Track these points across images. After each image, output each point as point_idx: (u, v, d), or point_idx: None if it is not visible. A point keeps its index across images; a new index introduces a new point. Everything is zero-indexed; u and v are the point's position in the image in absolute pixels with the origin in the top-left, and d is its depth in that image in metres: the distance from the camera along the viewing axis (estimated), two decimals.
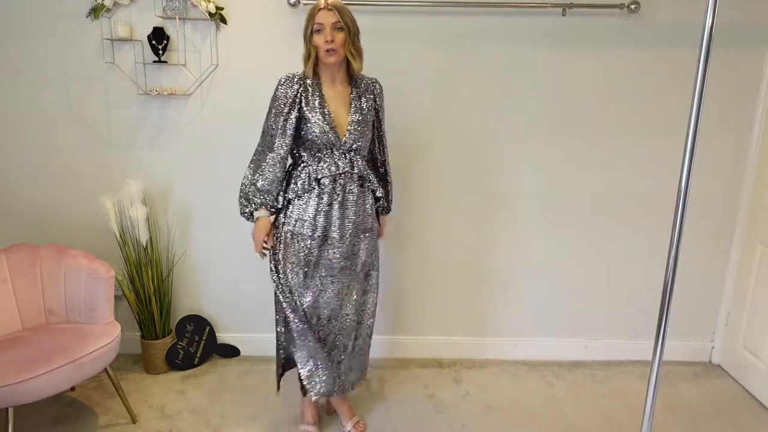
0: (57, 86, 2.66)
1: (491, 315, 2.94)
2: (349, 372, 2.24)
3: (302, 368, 2.13)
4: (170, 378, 2.76)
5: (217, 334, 2.95)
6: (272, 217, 2.14)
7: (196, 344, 2.87)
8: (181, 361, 2.82)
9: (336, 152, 2.04)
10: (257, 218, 2.10)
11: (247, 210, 2.10)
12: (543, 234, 2.83)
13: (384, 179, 2.28)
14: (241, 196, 2.11)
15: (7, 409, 1.98)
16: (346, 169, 2.04)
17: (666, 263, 1.64)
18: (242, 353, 2.98)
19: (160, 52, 2.58)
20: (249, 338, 2.96)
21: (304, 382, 2.16)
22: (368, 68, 2.15)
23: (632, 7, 2.52)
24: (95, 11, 2.54)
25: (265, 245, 2.11)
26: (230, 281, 2.90)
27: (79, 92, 2.67)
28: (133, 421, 2.38)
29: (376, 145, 2.24)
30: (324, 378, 2.14)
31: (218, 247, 2.86)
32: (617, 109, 2.68)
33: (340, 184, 2.05)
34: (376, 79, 2.17)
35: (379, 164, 2.27)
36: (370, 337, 2.31)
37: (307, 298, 2.10)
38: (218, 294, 2.93)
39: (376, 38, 2.59)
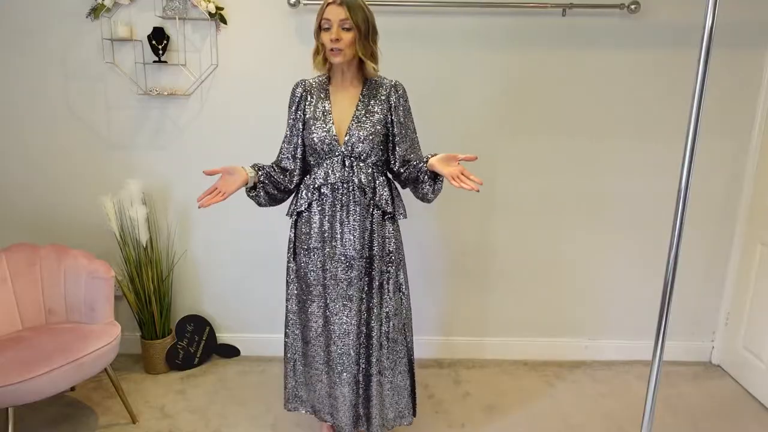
0: (57, 86, 2.66)
1: (491, 315, 2.94)
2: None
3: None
4: (170, 378, 2.76)
5: (217, 334, 2.95)
6: (250, 173, 1.89)
7: (196, 344, 2.87)
8: (181, 361, 2.82)
9: (336, 159, 1.90)
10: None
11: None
12: (543, 234, 2.83)
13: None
14: None
15: (7, 409, 1.98)
16: (346, 177, 1.89)
17: (666, 263, 1.64)
18: (242, 353, 2.98)
19: (160, 52, 2.58)
20: (249, 338, 2.96)
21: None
22: None
23: (632, 7, 2.52)
24: (95, 11, 2.54)
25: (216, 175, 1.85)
26: (230, 281, 2.90)
27: (79, 92, 2.67)
28: (133, 421, 2.38)
29: (394, 157, 1.95)
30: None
31: (218, 247, 2.86)
32: (617, 109, 2.68)
33: (339, 194, 1.90)
34: (397, 83, 1.95)
35: (397, 174, 1.99)
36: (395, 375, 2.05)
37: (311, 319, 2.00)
38: (218, 294, 2.93)
39: None
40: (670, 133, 2.65)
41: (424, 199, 1.97)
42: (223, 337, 2.98)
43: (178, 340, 2.83)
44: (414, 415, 2.17)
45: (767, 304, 2.60)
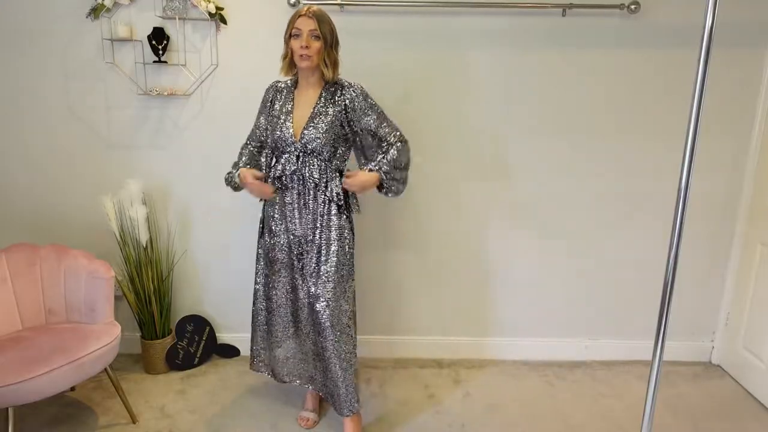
0: (57, 86, 2.66)
1: (491, 315, 2.94)
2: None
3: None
4: (170, 378, 2.76)
5: (217, 334, 2.95)
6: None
7: (196, 344, 2.87)
8: (181, 361, 2.82)
9: (292, 154, 2.12)
10: (238, 175, 2.17)
11: (229, 180, 2.23)
12: (543, 234, 2.83)
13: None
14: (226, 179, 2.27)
15: (7, 409, 1.98)
16: (299, 170, 2.11)
17: (666, 263, 1.64)
18: (242, 353, 2.98)
19: (160, 52, 2.58)
20: (249, 338, 2.95)
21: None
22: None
23: (632, 7, 2.52)
24: (95, 11, 2.54)
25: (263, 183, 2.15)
26: (230, 281, 2.90)
27: (79, 92, 2.67)
28: (133, 421, 2.38)
29: (361, 151, 2.24)
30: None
31: (218, 247, 2.86)
32: (617, 110, 2.68)
33: (296, 184, 2.13)
34: (353, 84, 2.14)
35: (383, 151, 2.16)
36: (342, 361, 2.17)
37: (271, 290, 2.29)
38: (218, 294, 2.93)
39: (372, 39, 2.60)
40: (670, 133, 2.65)
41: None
42: (223, 337, 2.98)
43: (178, 340, 2.83)
44: (354, 406, 2.22)
45: (767, 304, 2.60)
